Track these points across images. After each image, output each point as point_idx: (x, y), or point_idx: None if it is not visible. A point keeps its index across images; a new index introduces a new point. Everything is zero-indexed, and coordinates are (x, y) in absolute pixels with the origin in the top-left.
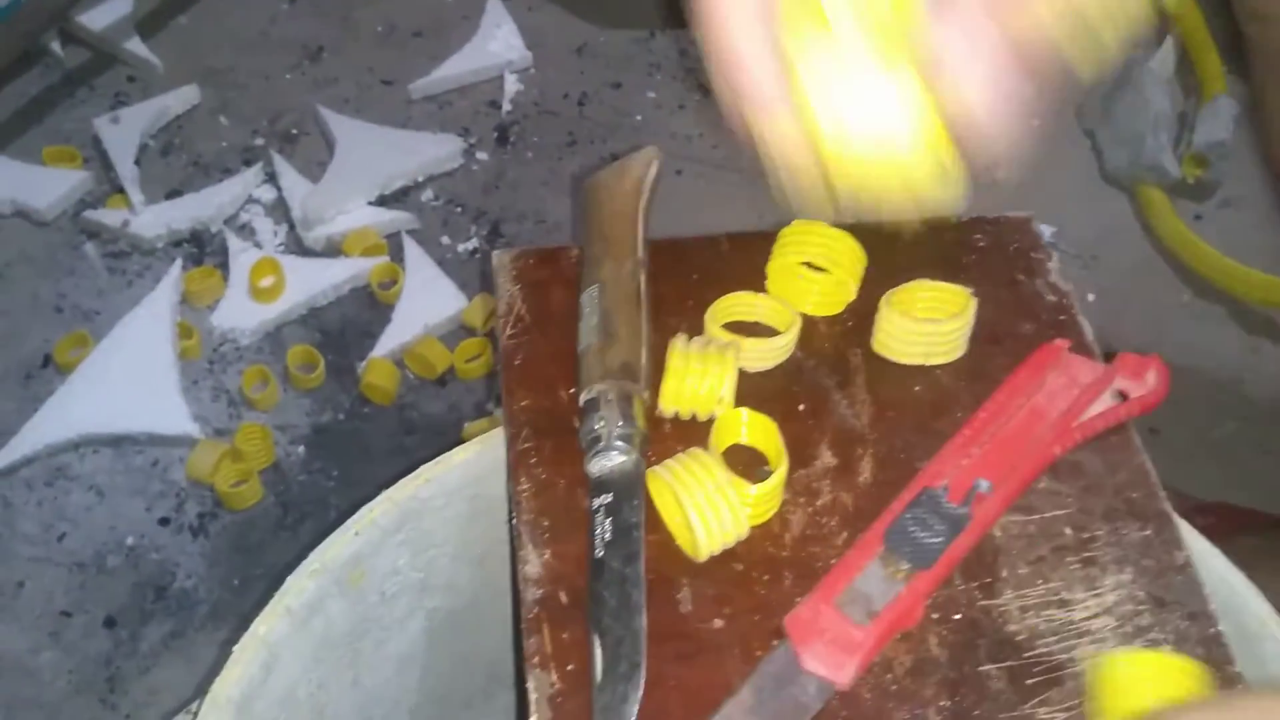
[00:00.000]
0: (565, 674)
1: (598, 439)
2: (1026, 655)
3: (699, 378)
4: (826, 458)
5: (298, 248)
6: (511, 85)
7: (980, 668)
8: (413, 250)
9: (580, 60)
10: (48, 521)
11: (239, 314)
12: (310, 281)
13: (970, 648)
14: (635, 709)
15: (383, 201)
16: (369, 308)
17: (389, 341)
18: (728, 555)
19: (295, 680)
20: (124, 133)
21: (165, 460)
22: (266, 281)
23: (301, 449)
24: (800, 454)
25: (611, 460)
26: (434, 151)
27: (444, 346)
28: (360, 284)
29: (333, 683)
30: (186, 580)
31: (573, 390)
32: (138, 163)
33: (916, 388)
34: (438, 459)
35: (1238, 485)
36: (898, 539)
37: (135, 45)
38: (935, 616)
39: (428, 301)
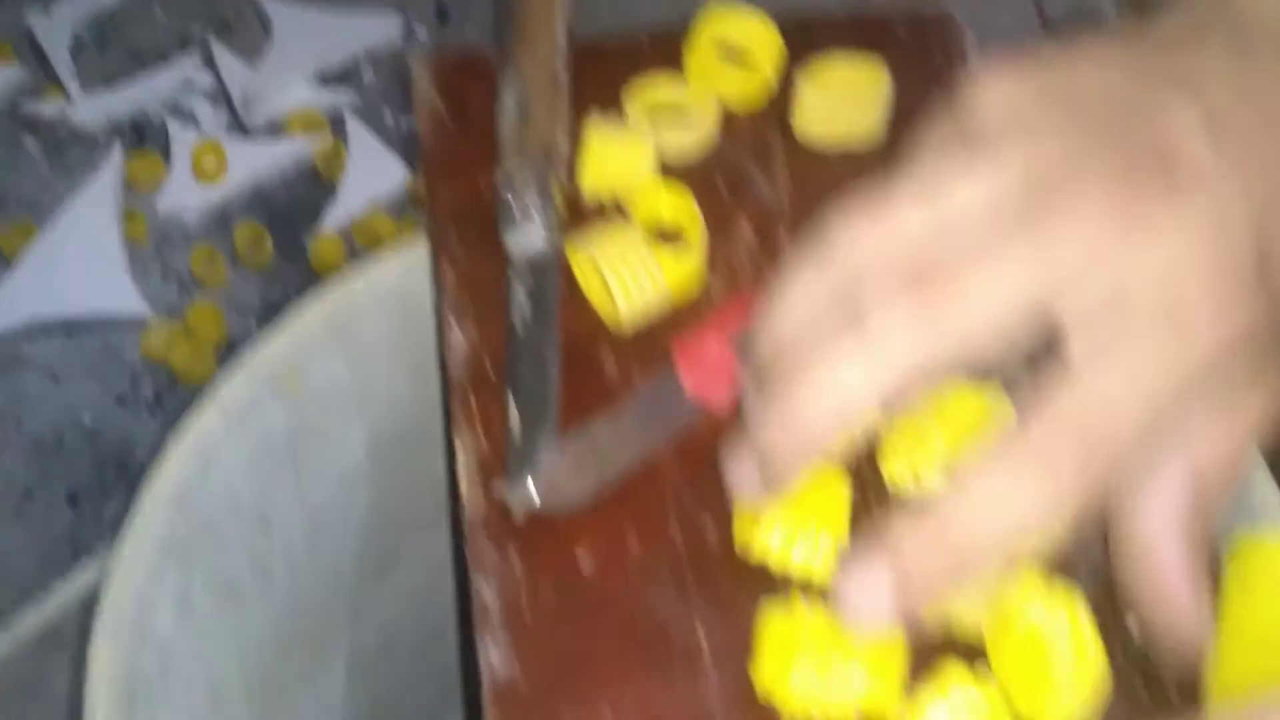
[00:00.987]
0: (490, 435)
1: (514, 217)
2: None
3: (617, 155)
4: (748, 236)
5: (240, 130)
6: None
7: None
8: (355, 127)
9: None
10: (4, 407)
11: (184, 196)
12: (253, 161)
13: None
14: (543, 451)
15: (323, 81)
16: (314, 185)
17: (335, 217)
18: (650, 324)
19: (236, 484)
20: (57, 24)
21: (118, 342)
22: (209, 163)
23: (253, 324)
24: (722, 234)
25: (529, 236)
26: (373, 30)
27: (390, 219)
28: (304, 162)
29: (277, 494)
30: (146, 455)
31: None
32: (73, 55)
33: (837, 169)
34: (370, 263)
35: None
36: None
37: None
38: None
39: (372, 176)
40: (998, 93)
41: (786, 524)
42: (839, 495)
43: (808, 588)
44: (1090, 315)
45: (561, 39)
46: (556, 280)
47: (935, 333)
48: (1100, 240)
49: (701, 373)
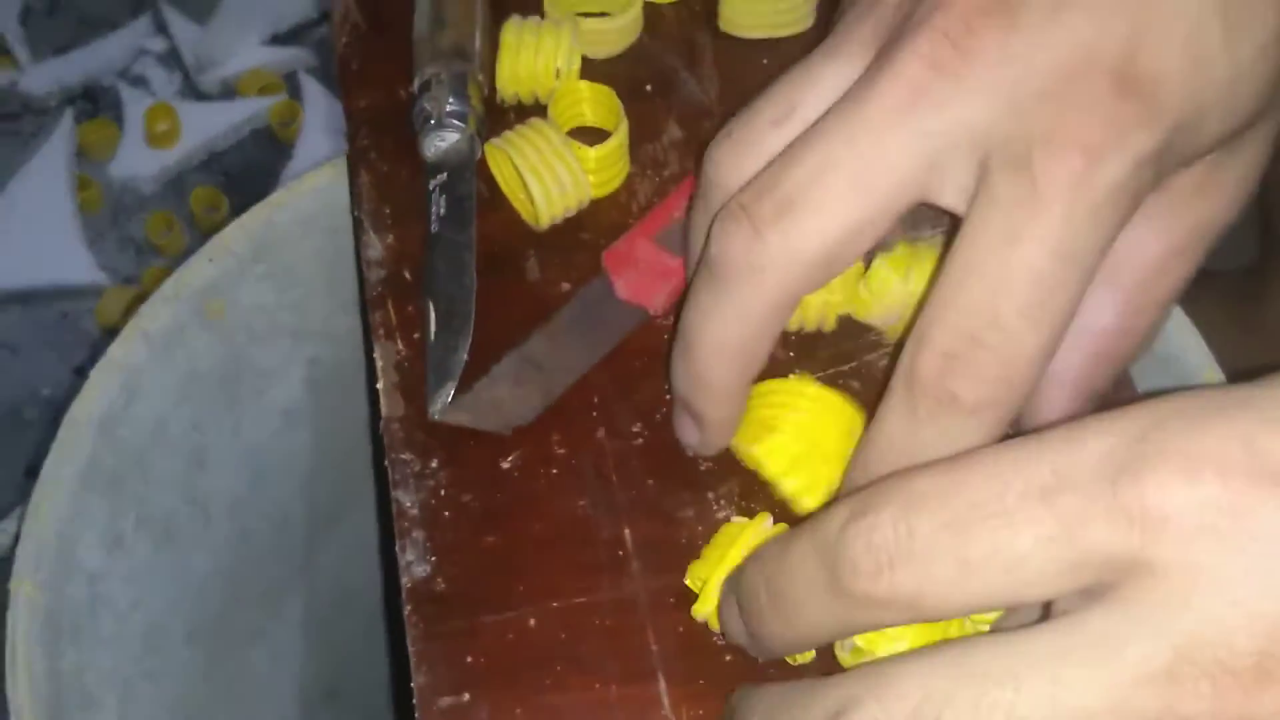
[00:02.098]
0: (410, 342)
1: (429, 118)
2: None
3: (534, 52)
4: (674, 132)
5: (193, 94)
6: None
7: None
8: (310, 86)
9: None
10: None
11: (138, 162)
12: (208, 124)
13: None
14: (463, 356)
15: (276, 41)
16: (270, 147)
17: (292, 177)
18: (573, 225)
19: (164, 414)
20: None
21: (75, 312)
22: (162, 126)
23: None
24: (647, 130)
25: (445, 139)
26: None
27: None
28: (260, 124)
29: (210, 426)
30: None
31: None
32: (23, 23)
33: (764, 60)
34: (290, 184)
35: None
36: None
37: None
38: None
39: (329, 135)
40: None
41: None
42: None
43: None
44: (960, 190)
45: None
46: (473, 183)
47: (771, 258)
48: (935, 91)
49: (635, 277)
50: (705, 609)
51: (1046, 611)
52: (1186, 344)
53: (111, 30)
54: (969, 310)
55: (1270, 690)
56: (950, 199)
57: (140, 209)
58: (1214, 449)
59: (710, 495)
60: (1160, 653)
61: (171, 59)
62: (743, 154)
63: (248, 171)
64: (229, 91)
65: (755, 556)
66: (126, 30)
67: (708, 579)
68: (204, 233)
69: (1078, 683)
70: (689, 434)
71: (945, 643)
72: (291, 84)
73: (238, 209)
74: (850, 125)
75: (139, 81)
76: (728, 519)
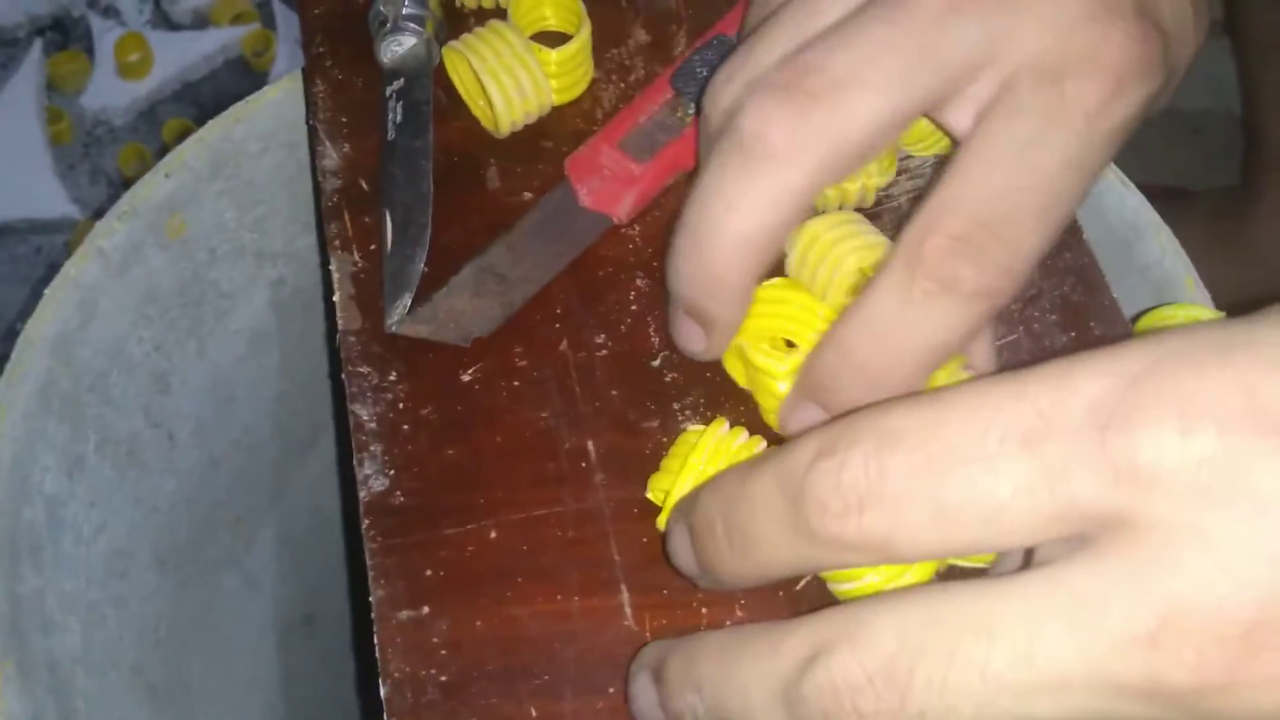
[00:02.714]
0: (367, 253)
1: (385, 22)
2: None
3: None
4: (640, 37)
5: (165, 23)
6: None
7: None
8: (284, 15)
9: None
10: None
11: (109, 94)
12: (180, 54)
13: None
14: (420, 266)
15: None
16: (244, 77)
17: None
18: (535, 132)
19: (122, 334)
20: None
21: (48, 246)
22: (133, 57)
23: None
24: (613, 35)
25: (401, 44)
26: None
27: None
28: (233, 54)
29: (172, 348)
30: None
31: None
32: None
33: None
34: (248, 99)
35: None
36: (685, 80)
37: None
38: None
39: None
40: None
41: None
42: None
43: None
44: (974, 101)
45: None
46: (429, 88)
47: (815, 136)
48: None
49: (599, 185)
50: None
51: (1030, 557)
52: (1174, 268)
53: None
54: (987, 200)
55: (1257, 661)
56: (958, 111)
57: (113, 141)
58: (1212, 398)
59: (675, 406)
60: (1144, 616)
61: None
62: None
63: (221, 102)
64: (201, 21)
65: (712, 486)
66: None
67: (669, 490)
68: None
69: (1056, 642)
70: (694, 340)
71: (923, 588)
72: (265, 12)
73: None
74: (904, 14)
75: (109, 11)
76: (695, 430)
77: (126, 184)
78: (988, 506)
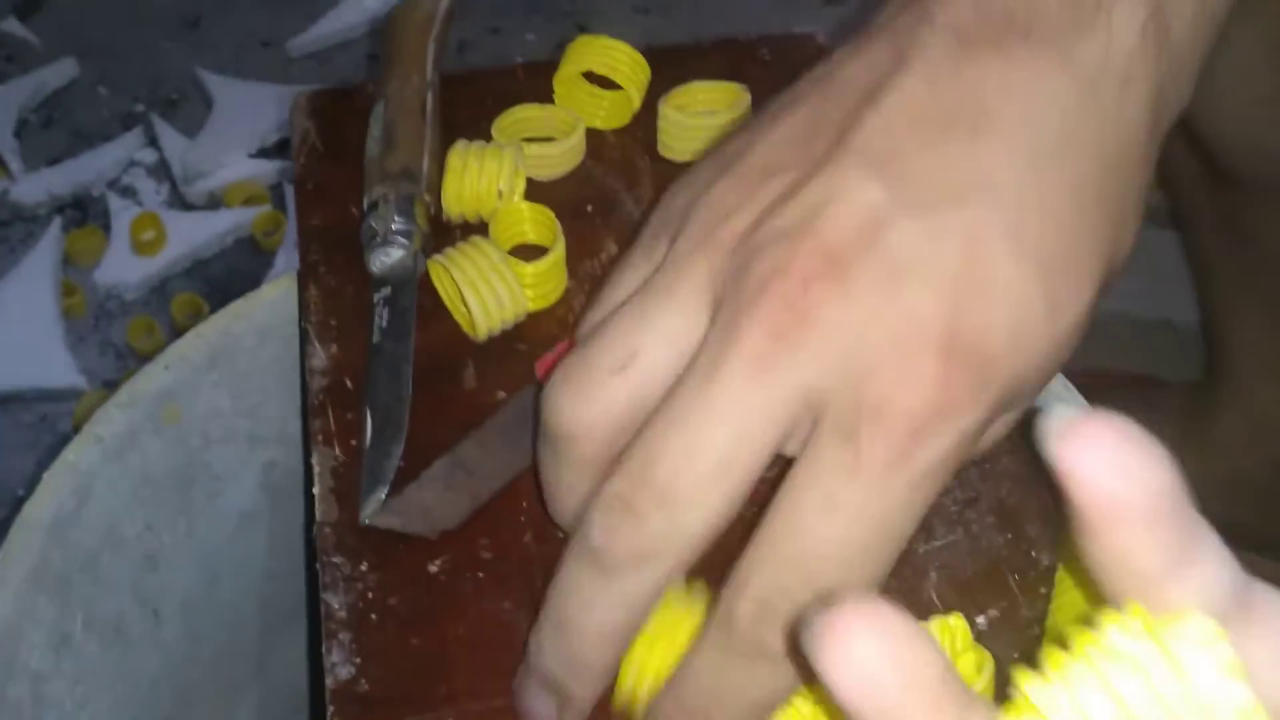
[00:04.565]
0: (347, 448)
1: (375, 236)
2: None
3: (477, 175)
4: (610, 249)
5: (180, 204)
6: None
7: None
8: (295, 197)
9: (459, 9)
10: None
11: (122, 270)
12: (192, 234)
13: None
14: (395, 462)
15: (264, 154)
16: (253, 256)
17: None
18: (511, 336)
19: (116, 516)
20: (2, 107)
21: (54, 414)
22: (148, 235)
23: None
24: (587, 248)
25: (390, 256)
26: None
27: None
28: (244, 234)
29: (163, 528)
30: None
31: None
32: (18, 136)
33: None
34: (247, 295)
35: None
36: None
37: (11, 25)
38: None
39: None
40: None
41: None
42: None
43: None
44: (800, 443)
45: (431, 71)
46: (414, 297)
47: (658, 545)
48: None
49: None
50: (622, 694)
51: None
52: None
53: (104, 142)
54: (787, 565)
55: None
56: (794, 449)
57: (123, 314)
58: None
59: None
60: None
61: (160, 170)
62: (585, 402)
63: (230, 279)
64: (215, 202)
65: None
66: (118, 142)
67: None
68: None
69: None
70: (545, 710)
71: None
72: (276, 195)
73: None
74: (704, 404)
75: (128, 191)
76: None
77: (135, 356)
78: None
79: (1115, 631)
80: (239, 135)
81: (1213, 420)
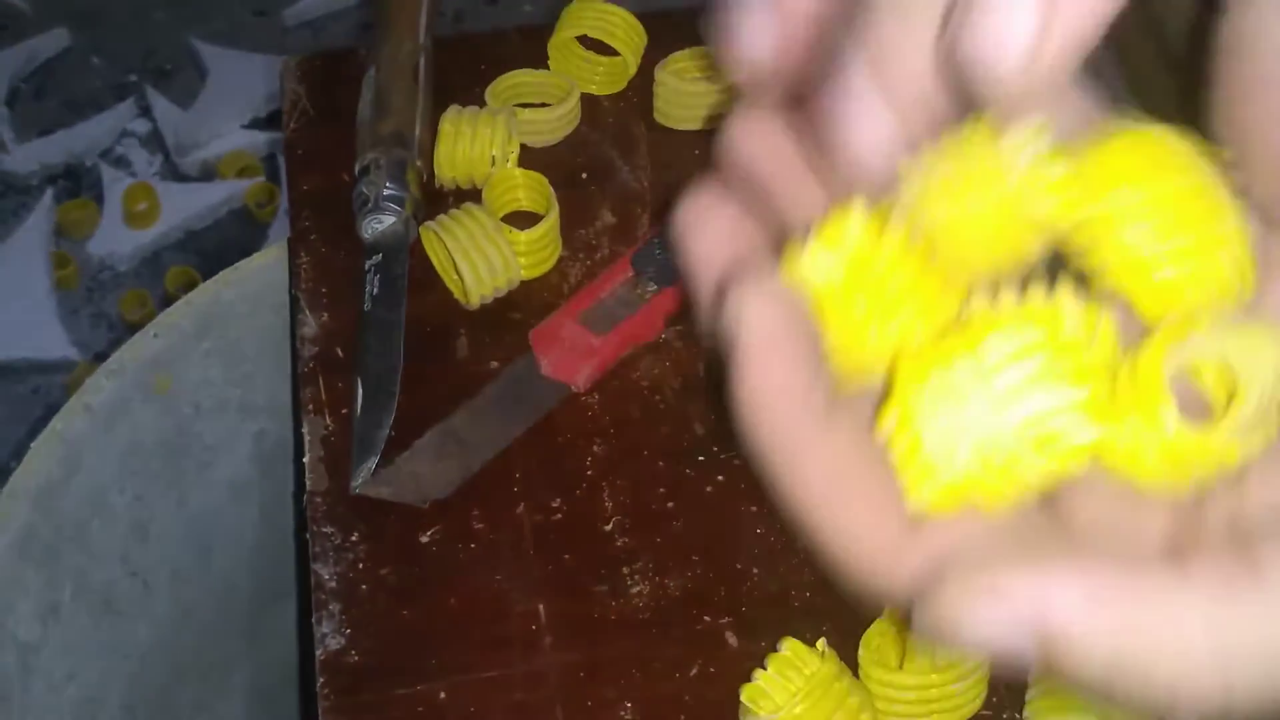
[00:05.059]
0: (338, 417)
1: (367, 202)
2: None
3: (470, 140)
4: (607, 218)
5: (173, 175)
6: None
7: None
8: None
9: None
10: None
11: (115, 241)
12: (186, 205)
13: None
14: (386, 431)
15: (257, 124)
16: (247, 227)
17: None
18: (505, 305)
19: (104, 485)
20: None
21: (46, 386)
22: (141, 207)
23: None
24: (582, 216)
25: (381, 222)
26: None
27: None
28: (237, 205)
29: (154, 498)
30: None
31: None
32: (10, 105)
33: (696, 151)
34: (237, 264)
35: None
36: (644, 261)
37: None
38: (704, 343)
39: None
40: None
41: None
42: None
43: None
44: None
45: (424, 35)
46: (405, 264)
47: None
48: None
49: (559, 354)
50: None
51: None
52: None
53: (96, 113)
54: None
55: None
56: None
57: (116, 286)
58: None
59: (625, 570)
60: None
61: (154, 140)
62: None
63: (223, 251)
64: (209, 173)
65: None
66: (111, 113)
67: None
68: None
69: None
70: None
71: None
72: (270, 166)
73: None
74: None
75: (121, 162)
76: (641, 593)
77: (128, 328)
78: None
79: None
80: (233, 106)
81: None
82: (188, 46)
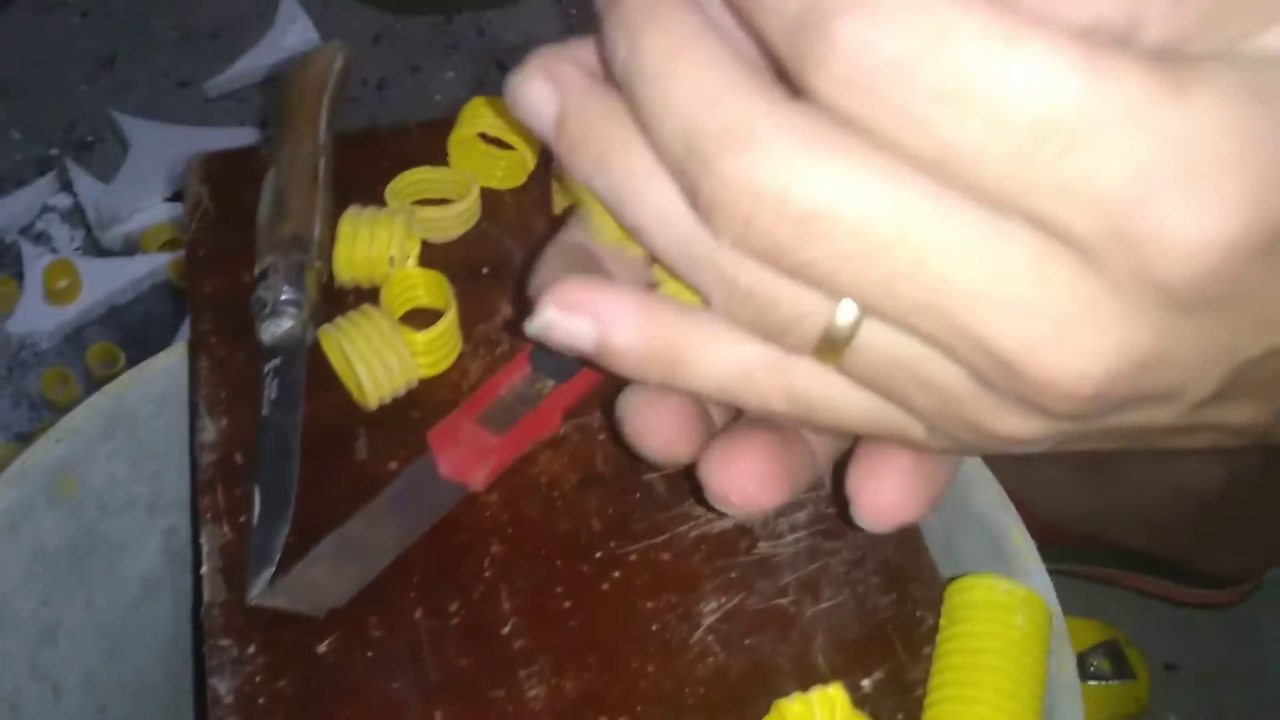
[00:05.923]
0: (235, 525)
1: (265, 306)
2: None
3: (368, 241)
4: (506, 312)
5: (96, 250)
6: None
7: (643, 477)
8: None
9: (377, 48)
10: None
11: (36, 319)
12: (108, 280)
13: (634, 462)
14: (281, 541)
15: (180, 197)
16: (170, 300)
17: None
18: (404, 404)
19: (9, 593)
20: None
21: None
22: (62, 284)
23: None
24: (482, 310)
25: (280, 326)
26: (230, 144)
27: None
28: (160, 278)
29: (61, 601)
30: None
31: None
32: None
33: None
34: (142, 364)
35: None
36: (541, 358)
37: None
38: (601, 437)
39: None
40: None
41: None
42: None
43: None
44: None
45: (325, 133)
46: (303, 368)
47: None
48: None
49: (457, 455)
50: None
51: None
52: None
53: (16, 188)
54: None
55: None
56: None
57: (37, 364)
58: None
59: (521, 674)
60: (1054, 324)
61: (75, 216)
62: None
63: (147, 325)
64: (131, 247)
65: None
66: (31, 188)
67: None
68: (99, 386)
69: (987, 298)
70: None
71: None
72: None
73: (134, 362)
74: None
75: (41, 238)
76: (537, 696)
77: (49, 407)
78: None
79: None
80: (156, 178)
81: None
82: (109, 119)
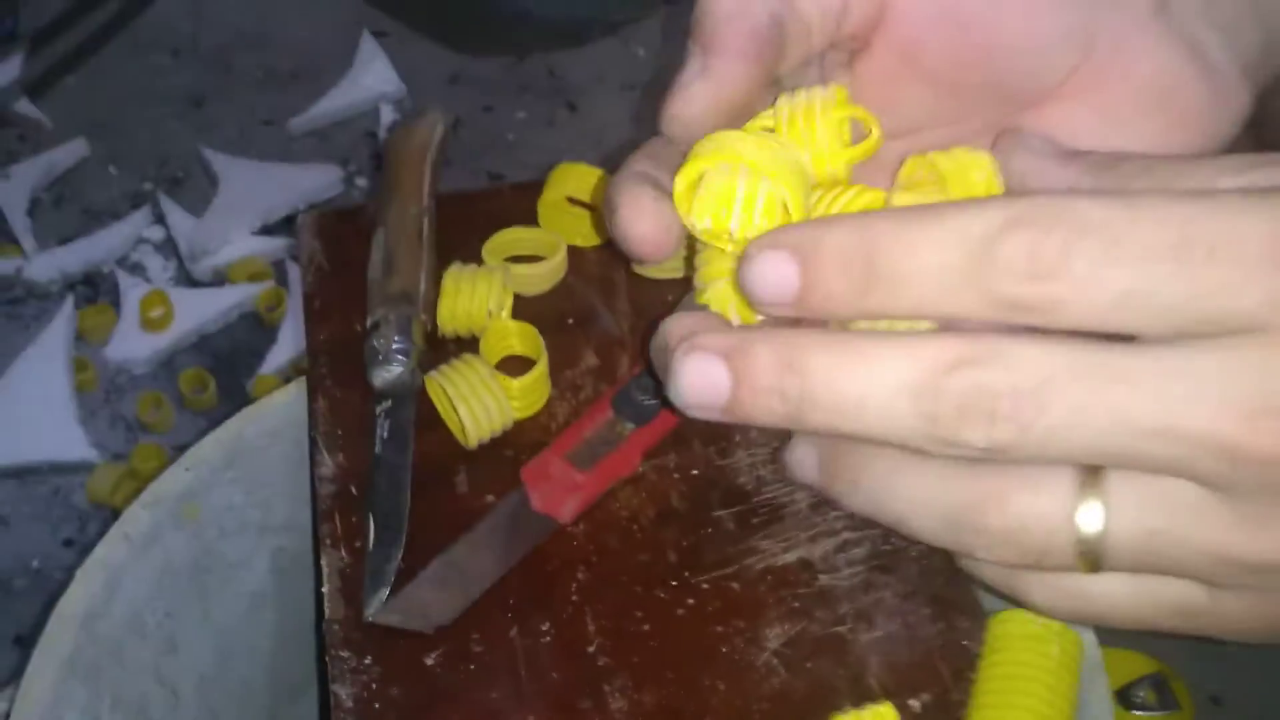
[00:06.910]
0: (352, 550)
1: (378, 354)
2: (754, 500)
3: (469, 296)
4: (590, 360)
5: (187, 280)
6: (388, 115)
7: (714, 513)
8: (296, 274)
9: (453, 88)
10: None
11: (132, 345)
12: (199, 310)
13: (705, 498)
14: (395, 564)
15: (267, 231)
16: (256, 330)
17: (276, 359)
18: (500, 443)
19: (140, 606)
20: (15, 187)
21: (66, 487)
22: (156, 313)
23: None
24: (568, 358)
25: (390, 372)
26: (314, 181)
27: None
28: (247, 309)
29: (183, 613)
30: None
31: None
32: (31, 215)
33: (669, 297)
34: (259, 401)
35: None
36: (622, 403)
37: (23, 106)
38: (676, 476)
39: None
40: None
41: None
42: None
43: None
44: None
45: (428, 197)
46: (412, 412)
47: None
48: None
49: (547, 491)
50: None
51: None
52: None
53: (113, 220)
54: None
55: None
56: None
57: (132, 388)
58: None
59: (606, 688)
60: (1256, 398)
61: (168, 247)
62: None
63: (235, 353)
64: (220, 278)
65: (853, 223)
66: (127, 221)
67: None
68: (191, 410)
69: (1184, 401)
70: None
71: (1061, 340)
72: (279, 271)
73: (224, 388)
74: None
75: (136, 269)
76: (620, 709)
77: (143, 429)
78: (1161, 303)
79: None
80: (243, 212)
81: None
82: (199, 155)
